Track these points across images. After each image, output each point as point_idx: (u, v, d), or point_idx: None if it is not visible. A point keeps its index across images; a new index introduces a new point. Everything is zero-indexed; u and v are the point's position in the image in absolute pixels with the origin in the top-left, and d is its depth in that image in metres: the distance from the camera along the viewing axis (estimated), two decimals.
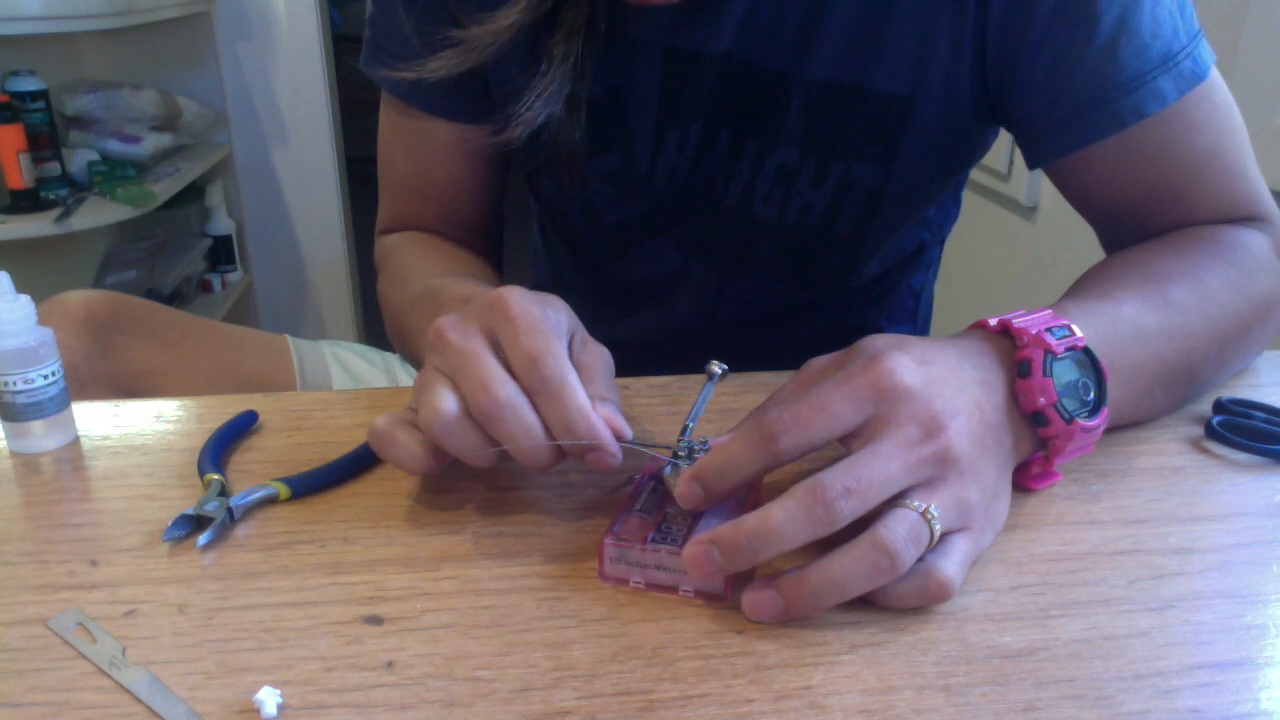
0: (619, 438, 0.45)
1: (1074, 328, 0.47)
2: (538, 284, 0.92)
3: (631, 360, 0.84)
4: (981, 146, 0.72)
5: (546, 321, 0.46)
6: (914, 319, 0.88)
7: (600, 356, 0.49)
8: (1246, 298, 0.58)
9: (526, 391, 0.45)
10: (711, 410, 0.58)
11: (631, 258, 0.78)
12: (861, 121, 0.65)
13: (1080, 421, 0.46)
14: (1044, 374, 0.45)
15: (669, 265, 0.77)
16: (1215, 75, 0.61)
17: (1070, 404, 0.46)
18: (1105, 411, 0.47)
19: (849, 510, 0.39)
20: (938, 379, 0.43)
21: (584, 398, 0.44)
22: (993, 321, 0.48)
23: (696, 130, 0.68)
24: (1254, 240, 0.61)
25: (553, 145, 0.68)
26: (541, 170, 0.74)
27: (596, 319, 0.84)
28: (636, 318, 0.82)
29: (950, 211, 0.84)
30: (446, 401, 0.44)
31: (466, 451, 0.45)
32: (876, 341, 0.45)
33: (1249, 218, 0.63)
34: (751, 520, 0.39)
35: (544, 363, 0.44)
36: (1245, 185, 0.63)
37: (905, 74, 0.63)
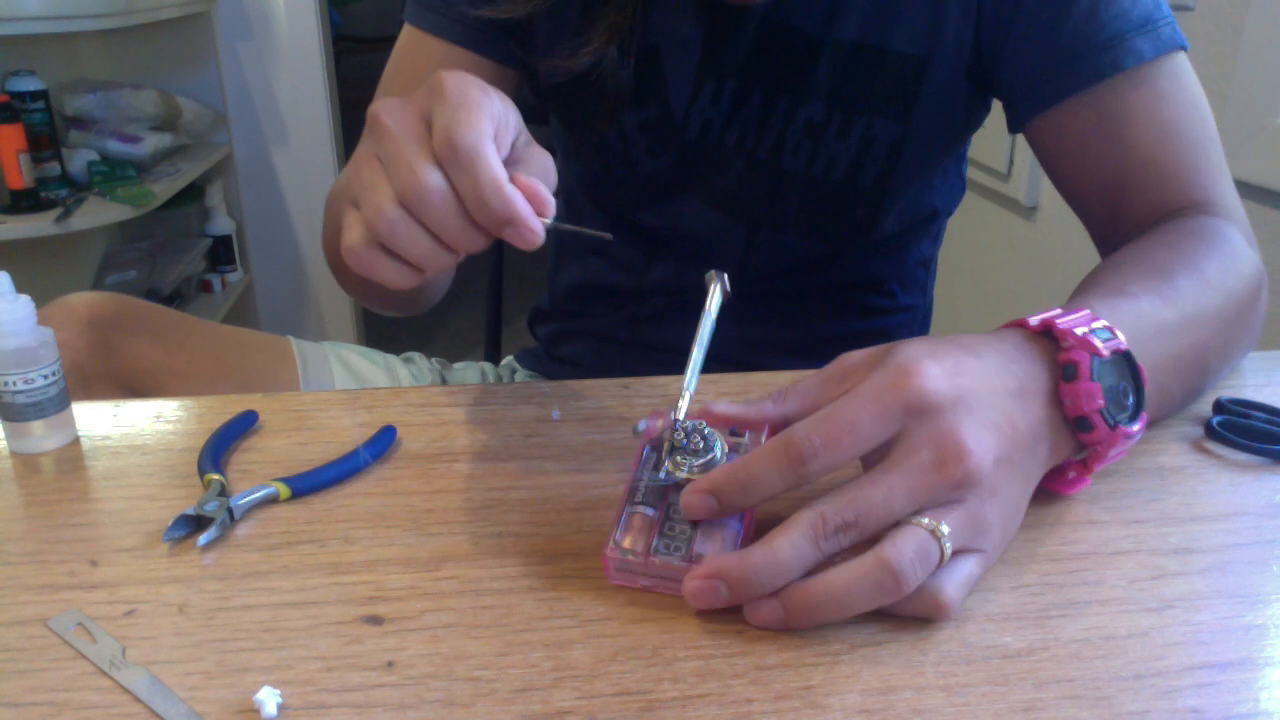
0: (541, 215, 0.43)
1: (1115, 329, 0.46)
2: (558, 245, 0.93)
3: (656, 309, 0.86)
4: (981, 108, 0.76)
5: (481, 101, 0.43)
6: (924, 292, 0.90)
7: (541, 156, 0.47)
8: (1242, 281, 0.59)
9: (440, 164, 0.42)
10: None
11: (662, 210, 0.80)
12: (882, 80, 0.71)
13: (1123, 427, 0.44)
14: (1091, 378, 0.44)
15: (699, 219, 0.79)
16: (1188, 64, 0.65)
17: (1113, 409, 0.44)
18: (1145, 416, 0.46)
19: (849, 542, 0.39)
20: (969, 392, 0.41)
21: (499, 170, 0.42)
22: (1034, 320, 0.46)
23: (730, 86, 0.72)
24: (1225, 229, 0.62)
25: (596, 91, 0.71)
26: (578, 119, 0.77)
27: (621, 268, 0.85)
28: (664, 267, 0.84)
29: (956, 185, 0.87)
30: (382, 196, 0.43)
31: (411, 251, 0.43)
32: (910, 348, 0.43)
33: (1211, 203, 0.65)
34: (758, 555, 0.39)
35: (457, 132, 0.41)
36: (1211, 168, 0.65)
37: (921, 36, 0.69)
